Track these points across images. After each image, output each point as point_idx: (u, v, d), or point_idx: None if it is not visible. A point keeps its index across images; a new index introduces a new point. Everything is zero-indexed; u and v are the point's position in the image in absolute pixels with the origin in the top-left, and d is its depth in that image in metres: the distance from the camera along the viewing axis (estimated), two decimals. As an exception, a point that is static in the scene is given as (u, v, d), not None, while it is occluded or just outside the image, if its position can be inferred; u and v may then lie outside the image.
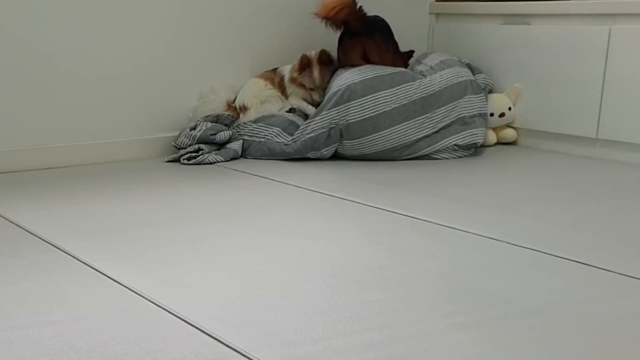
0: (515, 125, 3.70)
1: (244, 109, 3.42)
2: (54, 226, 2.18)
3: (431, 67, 3.48)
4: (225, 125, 3.35)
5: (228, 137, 3.28)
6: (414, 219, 2.34)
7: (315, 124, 3.22)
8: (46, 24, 2.98)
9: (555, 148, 3.57)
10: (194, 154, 3.16)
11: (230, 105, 3.46)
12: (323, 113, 3.23)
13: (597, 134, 3.37)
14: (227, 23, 3.47)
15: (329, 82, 3.48)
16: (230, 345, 1.41)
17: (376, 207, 2.46)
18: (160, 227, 2.21)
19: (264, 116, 3.37)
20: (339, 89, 3.25)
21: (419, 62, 3.64)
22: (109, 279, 1.76)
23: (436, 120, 3.32)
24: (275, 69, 3.55)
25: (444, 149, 3.32)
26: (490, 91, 3.68)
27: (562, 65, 3.49)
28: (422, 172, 3.04)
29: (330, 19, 3.30)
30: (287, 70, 3.52)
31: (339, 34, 3.42)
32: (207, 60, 3.46)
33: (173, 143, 3.27)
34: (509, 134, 3.68)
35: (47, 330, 1.46)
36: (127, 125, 3.25)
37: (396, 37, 4.02)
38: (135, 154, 3.24)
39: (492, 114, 3.59)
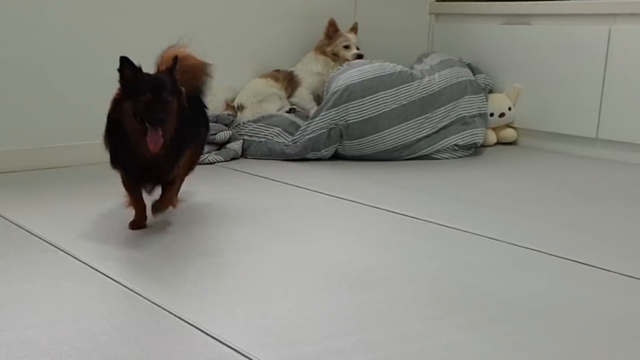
0: (515, 125, 3.70)
1: (240, 107, 3.42)
2: (54, 226, 2.18)
3: (431, 67, 3.48)
4: (225, 125, 3.35)
5: (228, 137, 3.28)
6: (414, 219, 2.34)
7: (315, 124, 3.22)
8: (46, 26, 2.97)
9: (555, 148, 3.57)
10: (194, 154, 3.16)
11: (229, 105, 3.46)
12: (322, 114, 3.23)
13: (597, 134, 3.37)
14: (227, 24, 3.47)
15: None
16: (230, 345, 1.41)
17: (376, 207, 2.46)
18: (160, 227, 2.21)
19: (263, 116, 3.37)
20: (338, 90, 3.25)
21: (420, 61, 3.64)
22: (109, 279, 1.76)
23: (436, 120, 3.32)
24: (277, 70, 3.57)
25: (444, 149, 3.32)
26: (490, 91, 3.68)
27: (562, 65, 3.49)
28: (422, 172, 3.04)
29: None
30: (292, 69, 3.57)
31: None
32: (207, 61, 3.45)
33: None
34: (509, 134, 3.68)
35: (47, 330, 1.46)
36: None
37: (396, 38, 4.04)
38: (135, 154, 3.23)
39: (492, 114, 3.59)
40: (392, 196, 2.61)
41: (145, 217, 2.17)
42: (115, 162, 2.10)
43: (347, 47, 3.58)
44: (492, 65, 3.75)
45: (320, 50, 3.59)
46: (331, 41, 3.58)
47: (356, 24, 3.67)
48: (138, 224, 2.15)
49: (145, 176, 2.10)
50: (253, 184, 2.80)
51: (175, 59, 2.05)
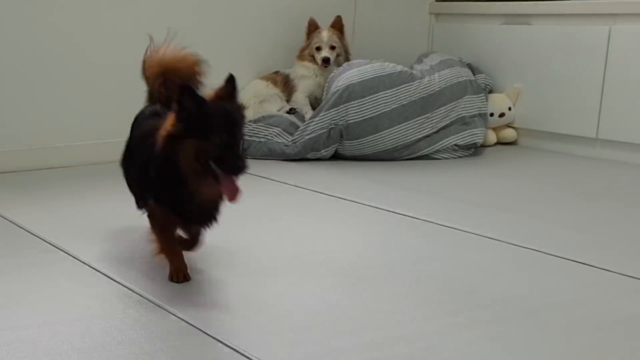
0: (515, 125, 3.70)
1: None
2: (54, 226, 2.18)
3: (431, 67, 3.48)
4: (225, 125, 3.35)
5: (228, 137, 3.27)
6: (414, 219, 2.33)
7: (315, 124, 3.22)
8: (46, 26, 2.97)
9: (555, 148, 3.57)
10: (194, 154, 3.15)
11: (230, 105, 3.47)
12: (322, 114, 3.23)
13: (597, 134, 3.37)
14: (227, 24, 3.47)
15: (344, 50, 3.56)
16: (230, 345, 1.41)
17: (376, 207, 2.46)
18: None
19: (263, 116, 3.37)
20: (338, 89, 3.25)
21: (420, 61, 3.64)
22: (109, 279, 1.76)
23: (436, 120, 3.32)
24: (277, 72, 3.57)
25: (444, 149, 3.32)
26: (490, 91, 3.68)
27: (562, 65, 3.48)
28: (422, 172, 3.04)
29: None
30: (289, 71, 3.55)
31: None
32: (207, 62, 3.45)
33: None
34: (509, 134, 3.68)
35: (47, 330, 1.46)
36: (128, 125, 3.23)
37: (396, 38, 4.02)
38: (135, 154, 3.23)
39: (492, 114, 3.59)
40: (392, 196, 2.61)
41: (185, 262, 1.77)
42: (165, 205, 1.71)
43: (318, 48, 3.51)
44: (492, 65, 3.75)
45: (299, 55, 3.55)
46: (307, 42, 3.53)
47: (338, 18, 3.55)
48: (183, 273, 1.74)
49: (201, 220, 1.76)
50: (253, 184, 2.80)
51: (232, 79, 1.70)
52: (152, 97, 1.96)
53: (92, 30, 3.09)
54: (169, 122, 1.63)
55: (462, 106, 3.41)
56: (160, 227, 1.76)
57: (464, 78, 3.48)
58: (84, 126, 3.11)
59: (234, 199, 1.64)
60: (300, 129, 3.26)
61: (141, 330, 1.47)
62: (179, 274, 1.73)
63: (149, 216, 1.79)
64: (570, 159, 3.37)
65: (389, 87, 3.27)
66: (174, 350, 1.39)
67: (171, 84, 1.82)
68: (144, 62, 1.93)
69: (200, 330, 1.48)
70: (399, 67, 3.37)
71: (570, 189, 2.79)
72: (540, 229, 2.24)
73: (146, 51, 1.87)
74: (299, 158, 3.22)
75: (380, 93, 3.24)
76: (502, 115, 3.62)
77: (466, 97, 3.44)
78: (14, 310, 1.57)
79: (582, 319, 1.58)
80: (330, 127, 3.20)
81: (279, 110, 3.44)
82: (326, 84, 3.43)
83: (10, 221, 2.22)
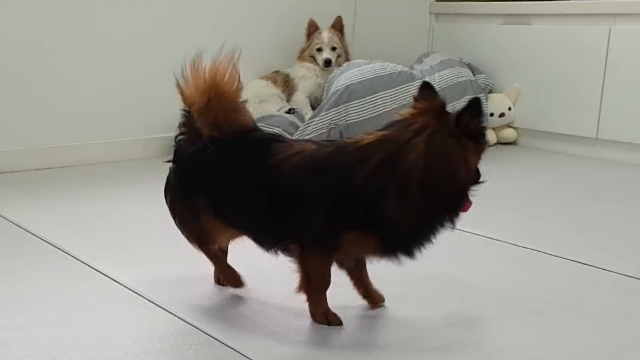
0: (515, 125, 3.70)
1: None
2: (54, 226, 2.18)
3: (431, 67, 3.49)
4: (225, 125, 3.34)
5: (228, 137, 3.27)
6: (414, 219, 2.33)
7: (315, 124, 3.22)
8: (46, 26, 2.97)
9: (555, 148, 3.57)
10: (194, 154, 3.15)
11: (230, 105, 3.46)
12: (322, 114, 3.23)
13: (597, 134, 3.37)
14: (227, 24, 3.47)
15: (344, 51, 3.56)
16: (230, 345, 1.41)
17: (376, 207, 2.45)
18: (160, 227, 2.20)
19: (263, 116, 3.37)
20: (338, 89, 3.25)
21: (420, 61, 3.64)
22: (109, 279, 1.76)
23: (436, 120, 3.32)
24: (277, 71, 3.56)
25: (444, 149, 3.32)
26: (490, 91, 3.68)
27: (562, 65, 3.48)
28: (422, 172, 3.03)
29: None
30: (289, 70, 3.55)
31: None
32: (207, 61, 3.45)
33: (173, 143, 3.26)
34: (509, 134, 3.68)
35: (47, 330, 1.46)
36: (127, 125, 3.24)
37: (396, 38, 4.02)
38: (135, 154, 3.24)
39: (492, 114, 3.59)
40: (392, 196, 2.60)
41: None
42: (377, 230, 1.47)
43: (319, 49, 3.51)
44: (492, 65, 3.75)
45: (299, 56, 3.55)
46: (308, 43, 3.53)
47: (339, 18, 3.55)
48: (333, 314, 1.53)
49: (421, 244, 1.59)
50: (253, 184, 2.80)
51: (429, 85, 1.57)
52: (188, 120, 1.77)
53: (92, 31, 3.09)
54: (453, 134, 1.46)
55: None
56: (327, 262, 1.52)
57: (464, 78, 3.48)
58: (84, 126, 3.11)
59: (467, 211, 1.54)
60: (300, 129, 3.26)
61: (141, 330, 1.47)
62: (331, 317, 1.51)
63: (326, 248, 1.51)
64: (570, 159, 3.37)
65: (389, 87, 3.27)
66: (174, 350, 1.39)
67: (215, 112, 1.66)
68: (185, 77, 1.72)
69: (200, 330, 1.48)
70: (399, 67, 3.36)
71: (570, 189, 2.79)
72: (540, 229, 2.24)
73: (187, 66, 1.68)
74: (299, 158, 3.22)
75: (380, 93, 3.24)
76: (502, 115, 3.62)
77: (466, 97, 3.43)
78: (14, 310, 1.57)
79: (582, 319, 1.58)
80: (330, 127, 3.20)
81: (278, 110, 3.44)
82: (326, 84, 3.43)
83: (10, 221, 2.22)
